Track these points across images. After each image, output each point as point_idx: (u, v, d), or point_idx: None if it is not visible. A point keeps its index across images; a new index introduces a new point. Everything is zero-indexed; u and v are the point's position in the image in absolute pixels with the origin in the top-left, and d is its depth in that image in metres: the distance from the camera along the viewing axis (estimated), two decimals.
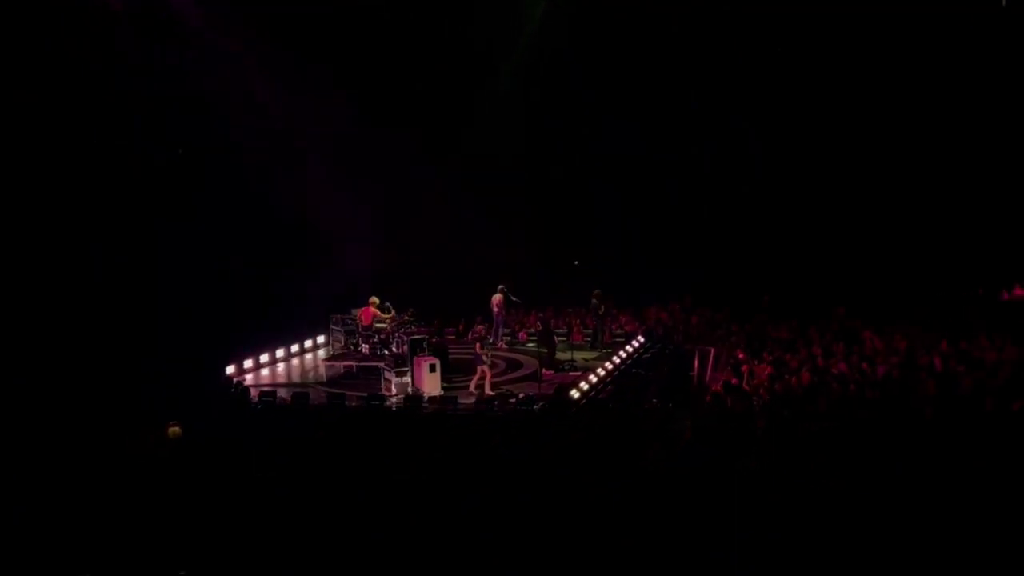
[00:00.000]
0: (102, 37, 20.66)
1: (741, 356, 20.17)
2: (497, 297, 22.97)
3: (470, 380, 19.13)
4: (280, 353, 23.44)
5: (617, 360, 21.73)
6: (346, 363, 21.50)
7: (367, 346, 21.05)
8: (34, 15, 19.67)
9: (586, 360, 21.80)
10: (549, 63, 27.72)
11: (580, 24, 27.04)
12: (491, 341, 23.74)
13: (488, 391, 18.63)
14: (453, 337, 25.22)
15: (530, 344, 22.41)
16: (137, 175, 21.46)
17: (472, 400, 18.23)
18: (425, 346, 19.80)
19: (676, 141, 27.86)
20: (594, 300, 23.28)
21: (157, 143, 22.05)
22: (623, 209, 28.34)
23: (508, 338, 23.69)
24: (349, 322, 21.86)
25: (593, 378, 19.60)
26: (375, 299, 21.18)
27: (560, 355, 21.47)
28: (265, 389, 19.69)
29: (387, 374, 19.37)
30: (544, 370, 20.15)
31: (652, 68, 27.44)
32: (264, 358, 22.71)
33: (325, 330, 23.60)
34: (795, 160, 27.44)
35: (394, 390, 18.93)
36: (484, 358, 18.89)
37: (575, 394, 18.28)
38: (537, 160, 28.80)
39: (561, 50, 27.51)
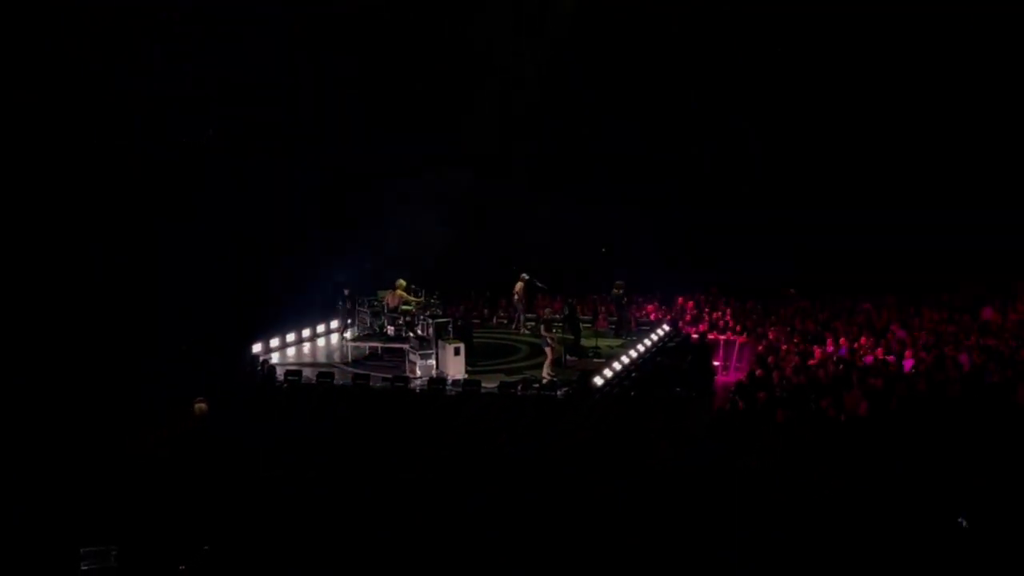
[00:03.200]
0: (102, 37, 20.64)
1: (761, 349, 20.14)
2: (519, 285, 23.02)
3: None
4: (306, 333, 23.64)
5: (641, 348, 21.71)
6: (371, 344, 21.59)
7: (392, 328, 21.12)
8: (34, 15, 19.68)
9: (610, 347, 21.79)
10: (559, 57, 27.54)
11: (581, 24, 26.85)
12: (513, 327, 23.83)
13: (547, 373, 18.72)
14: (478, 322, 25.32)
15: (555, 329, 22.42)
16: (139, 170, 21.47)
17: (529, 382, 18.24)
18: (450, 329, 19.87)
19: (677, 139, 27.67)
20: (616, 291, 23.22)
21: (157, 141, 22.00)
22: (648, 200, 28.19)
23: (532, 324, 23.69)
24: (375, 304, 21.92)
25: (617, 366, 19.59)
26: (402, 281, 21.23)
27: (585, 342, 21.46)
28: (291, 368, 19.82)
29: (412, 356, 19.46)
30: (568, 356, 20.19)
31: (652, 68, 27.25)
32: (291, 337, 22.90)
33: (351, 312, 23.57)
34: (795, 158, 27.22)
35: (419, 372, 19.02)
36: (550, 340, 18.99)
37: (598, 381, 18.28)
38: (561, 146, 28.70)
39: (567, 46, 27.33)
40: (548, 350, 19.06)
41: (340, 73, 25.48)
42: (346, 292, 22.35)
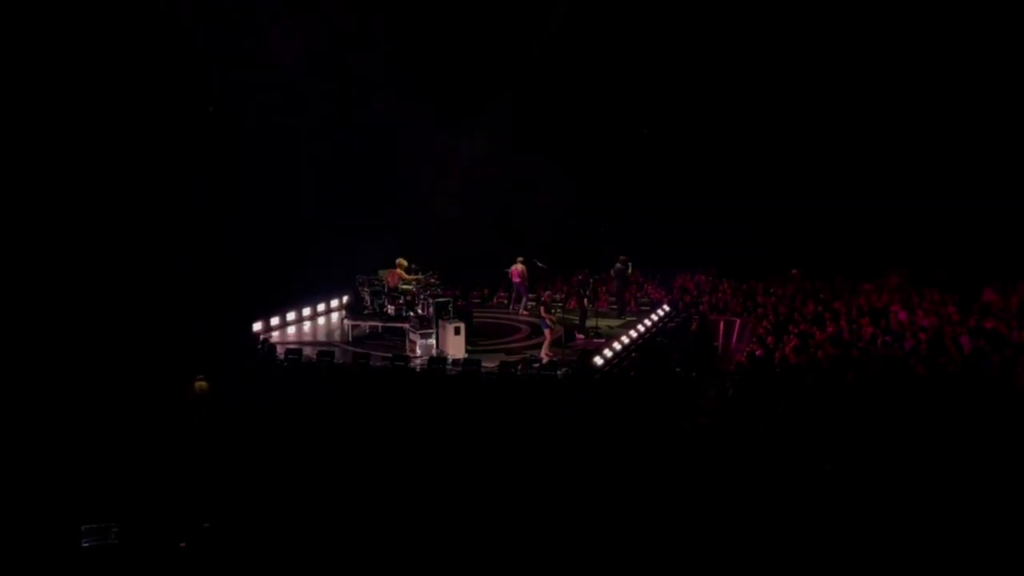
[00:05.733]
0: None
1: (762, 330, 20.13)
2: (516, 267, 23.06)
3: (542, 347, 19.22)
4: (307, 312, 23.68)
5: (642, 328, 21.73)
6: (371, 323, 21.61)
7: (393, 307, 21.13)
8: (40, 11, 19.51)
9: (610, 328, 21.82)
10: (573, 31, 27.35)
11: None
12: (512, 308, 23.82)
13: (546, 353, 18.76)
14: (478, 301, 25.34)
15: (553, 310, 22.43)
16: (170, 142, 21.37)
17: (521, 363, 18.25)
18: (450, 309, 19.88)
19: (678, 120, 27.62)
20: (619, 265, 23.18)
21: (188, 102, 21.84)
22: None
23: (533, 304, 23.70)
24: (376, 283, 21.92)
25: (617, 346, 19.62)
26: (403, 261, 21.22)
27: (587, 322, 21.49)
28: (291, 347, 19.85)
29: (412, 335, 19.48)
30: (576, 334, 20.31)
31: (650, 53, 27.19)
32: (291, 316, 22.94)
33: (351, 291, 23.62)
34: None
35: (418, 351, 19.05)
36: (549, 322, 19.03)
37: (598, 361, 18.30)
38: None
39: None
40: (547, 331, 19.10)
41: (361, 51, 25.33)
42: (365, 278, 22.22)
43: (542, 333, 19.35)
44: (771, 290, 24.03)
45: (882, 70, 25.74)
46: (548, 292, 19.86)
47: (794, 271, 25.46)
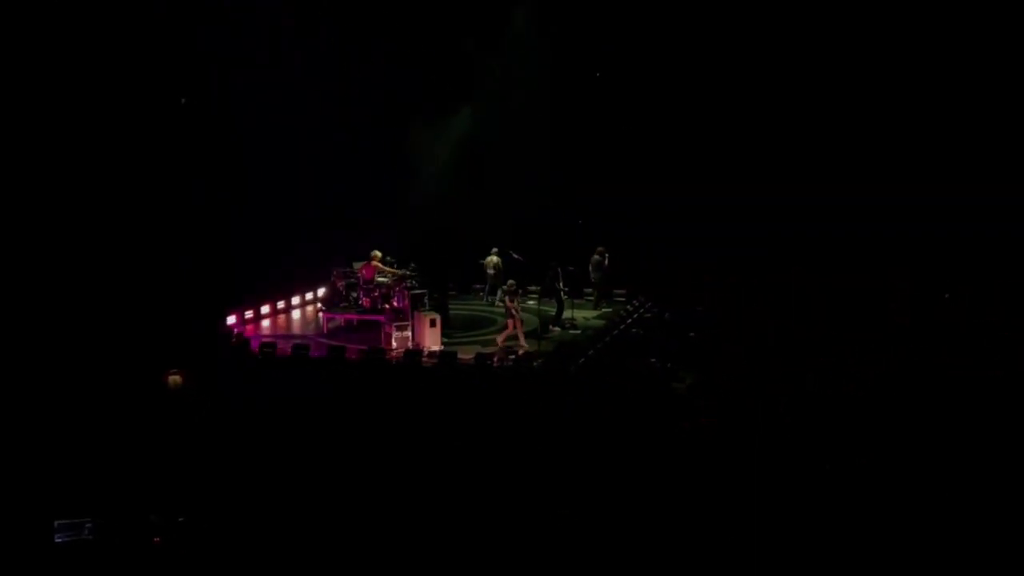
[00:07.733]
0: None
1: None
2: (491, 259, 23.02)
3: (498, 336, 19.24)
4: (281, 305, 23.50)
5: (617, 319, 21.76)
6: (346, 316, 21.49)
7: (368, 300, 21.02)
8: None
9: (586, 319, 21.83)
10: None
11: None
12: (487, 300, 23.77)
13: (522, 343, 18.71)
14: (454, 293, 25.24)
15: (531, 301, 22.42)
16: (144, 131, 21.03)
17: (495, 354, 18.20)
18: (426, 301, 19.79)
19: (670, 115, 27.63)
20: (596, 257, 23.16)
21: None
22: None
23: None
24: (351, 275, 21.79)
25: (592, 337, 19.64)
26: (377, 253, 21.08)
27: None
28: (266, 340, 19.69)
29: (387, 328, 19.39)
30: (551, 325, 20.38)
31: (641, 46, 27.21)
32: (265, 309, 22.76)
33: (326, 283, 23.48)
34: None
35: (394, 344, 18.96)
36: (513, 312, 18.93)
37: (573, 353, 18.31)
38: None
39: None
40: (509, 321, 19.01)
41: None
42: (340, 270, 22.04)
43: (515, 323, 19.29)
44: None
45: (881, 70, 25.89)
46: (512, 281, 19.66)
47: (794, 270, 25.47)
